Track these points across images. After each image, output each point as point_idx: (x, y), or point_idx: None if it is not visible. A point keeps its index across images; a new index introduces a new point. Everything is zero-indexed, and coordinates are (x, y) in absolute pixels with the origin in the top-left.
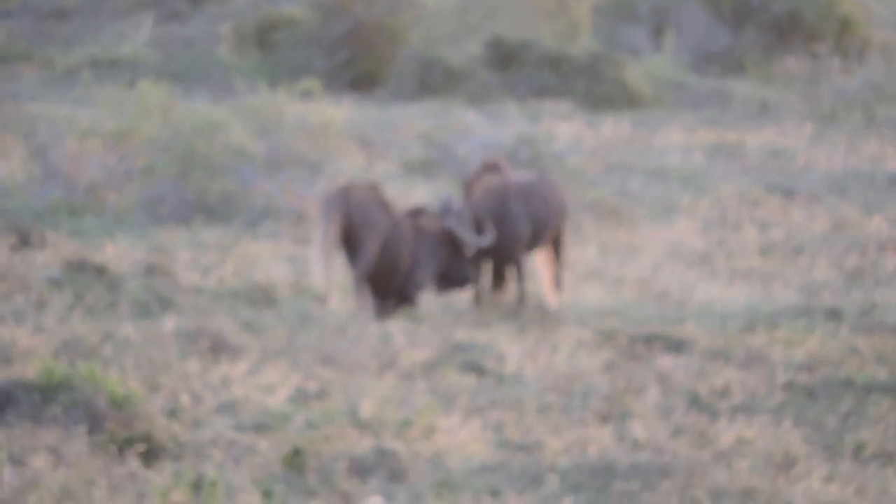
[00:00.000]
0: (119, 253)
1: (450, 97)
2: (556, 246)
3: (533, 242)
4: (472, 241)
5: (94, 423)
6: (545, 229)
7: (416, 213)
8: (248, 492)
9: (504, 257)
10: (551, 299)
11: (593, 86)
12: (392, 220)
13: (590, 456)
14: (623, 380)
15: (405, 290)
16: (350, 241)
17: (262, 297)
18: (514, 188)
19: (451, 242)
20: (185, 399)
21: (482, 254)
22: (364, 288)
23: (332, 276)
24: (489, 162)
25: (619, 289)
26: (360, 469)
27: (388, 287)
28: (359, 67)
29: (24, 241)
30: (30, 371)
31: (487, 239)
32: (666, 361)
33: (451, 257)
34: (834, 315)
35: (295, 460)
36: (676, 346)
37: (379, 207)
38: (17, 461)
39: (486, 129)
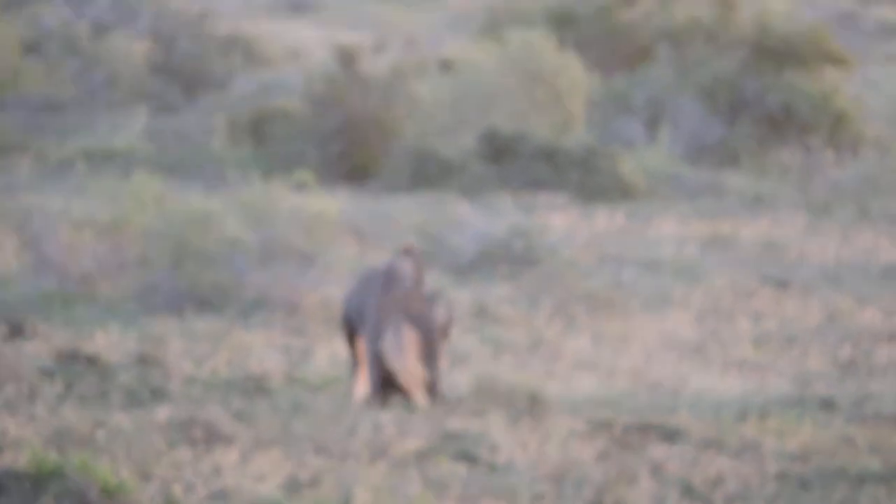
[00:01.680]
0: (111, 343)
1: (443, 189)
2: None
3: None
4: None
5: None
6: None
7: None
8: None
9: None
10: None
11: (587, 177)
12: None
13: None
14: (616, 469)
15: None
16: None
17: (254, 386)
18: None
19: None
20: (176, 488)
21: None
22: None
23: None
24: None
25: (612, 379)
26: None
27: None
28: (352, 159)
29: (15, 331)
30: (21, 460)
31: None
32: (659, 451)
33: None
34: (827, 405)
35: None
36: (670, 435)
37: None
38: None
39: (479, 221)
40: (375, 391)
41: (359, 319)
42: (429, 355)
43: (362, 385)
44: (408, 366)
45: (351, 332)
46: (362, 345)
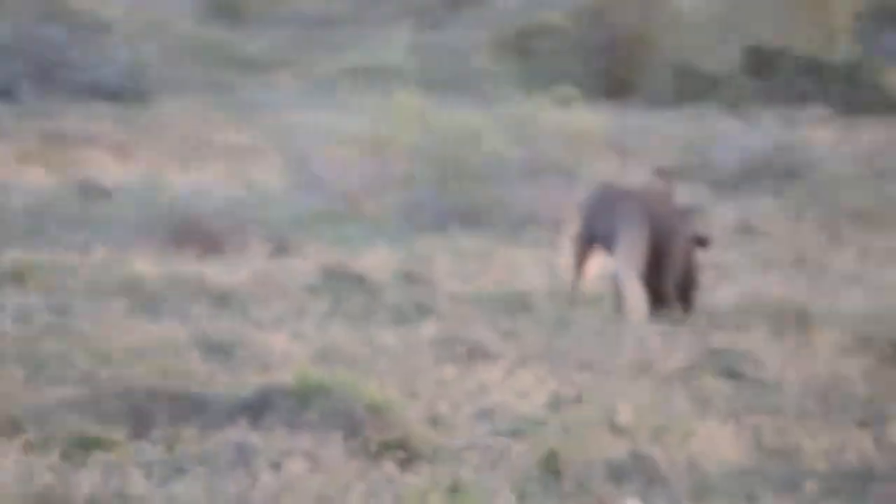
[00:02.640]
0: (377, 260)
1: (706, 104)
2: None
3: None
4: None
5: (351, 428)
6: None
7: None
8: (503, 495)
9: None
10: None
11: (852, 91)
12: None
13: (848, 460)
14: (883, 385)
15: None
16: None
17: (519, 303)
18: None
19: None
20: (442, 406)
21: None
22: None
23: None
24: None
25: (878, 294)
26: (616, 474)
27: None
28: (615, 75)
29: (282, 248)
30: (287, 377)
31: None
32: None
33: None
34: None
35: (550, 465)
36: None
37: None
38: (274, 465)
39: (742, 136)
40: (633, 306)
41: (599, 235)
42: (663, 269)
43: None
44: (632, 276)
45: (588, 248)
46: (599, 259)
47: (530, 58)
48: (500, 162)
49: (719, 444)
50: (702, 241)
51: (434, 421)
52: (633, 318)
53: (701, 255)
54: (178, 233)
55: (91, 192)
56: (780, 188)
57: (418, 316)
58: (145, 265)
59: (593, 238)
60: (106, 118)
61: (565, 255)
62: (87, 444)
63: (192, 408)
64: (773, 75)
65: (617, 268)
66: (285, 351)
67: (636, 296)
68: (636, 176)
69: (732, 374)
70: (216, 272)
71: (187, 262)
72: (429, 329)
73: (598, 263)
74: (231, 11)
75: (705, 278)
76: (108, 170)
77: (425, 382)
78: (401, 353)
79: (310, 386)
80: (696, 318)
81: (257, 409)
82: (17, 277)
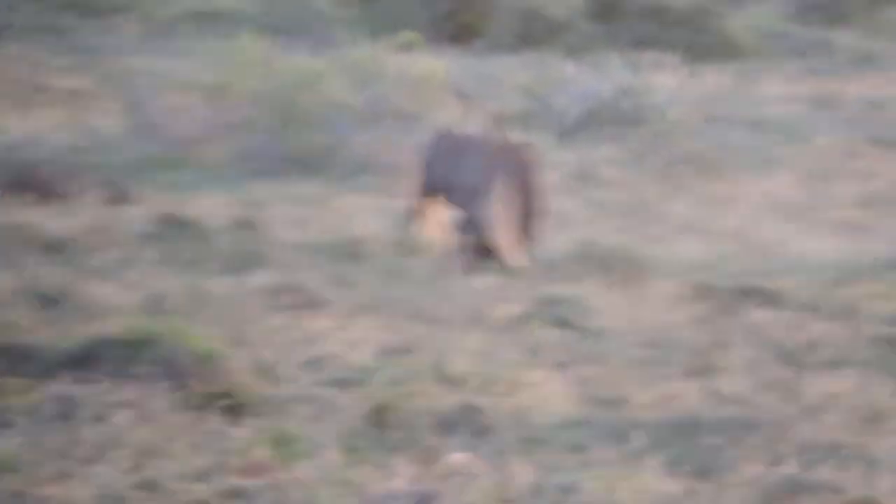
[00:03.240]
0: (211, 207)
1: (549, 49)
2: None
3: None
4: None
5: (178, 379)
6: None
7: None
8: (330, 447)
9: None
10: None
11: (695, 37)
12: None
13: (676, 411)
14: (712, 334)
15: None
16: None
17: (352, 251)
18: None
19: None
20: (270, 355)
21: None
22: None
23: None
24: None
25: (714, 241)
26: (445, 425)
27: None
28: (458, 20)
29: (118, 195)
30: (115, 327)
31: None
32: (757, 315)
33: None
34: None
35: (379, 416)
36: (769, 299)
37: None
38: (98, 418)
39: (585, 81)
40: (467, 256)
41: (444, 185)
42: (527, 215)
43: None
44: (506, 229)
45: (430, 197)
46: (438, 209)
47: (373, 2)
48: (341, 108)
49: (549, 394)
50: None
51: (262, 371)
52: (509, 262)
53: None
54: (13, 181)
55: None
56: (622, 134)
57: (250, 264)
58: None
59: (435, 186)
60: None
61: (405, 203)
62: None
63: (16, 359)
64: (616, 20)
65: (468, 217)
66: (114, 300)
67: (502, 242)
68: (475, 123)
69: (564, 324)
70: (51, 220)
71: (22, 210)
72: (260, 277)
73: (438, 212)
74: None
75: (543, 226)
76: None
77: (254, 332)
78: (230, 301)
79: (137, 336)
80: (530, 266)
81: (83, 360)
82: None
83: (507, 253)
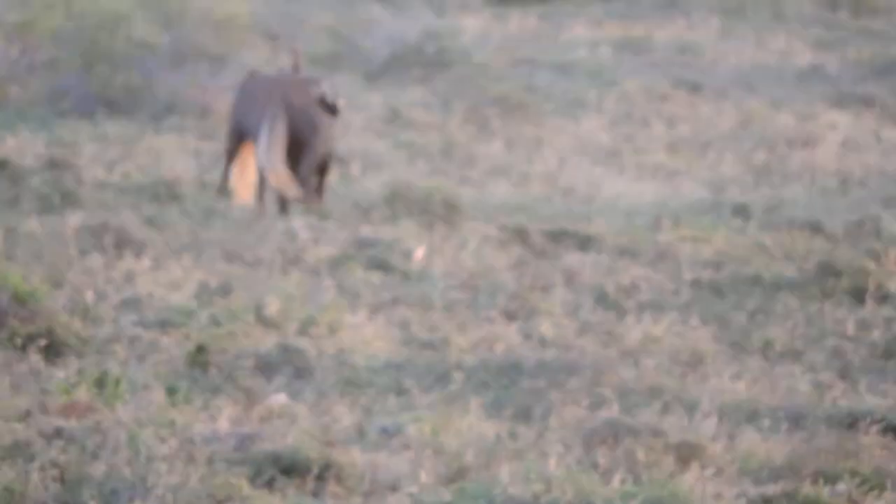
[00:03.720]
0: (21, 146)
1: None
2: None
3: None
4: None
5: None
6: None
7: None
8: (151, 388)
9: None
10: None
11: None
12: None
13: (496, 354)
14: (530, 277)
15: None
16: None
17: (166, 192)
18: None
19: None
20: (88, 295)
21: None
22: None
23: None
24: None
25: (525, 184)
26: (265, 366)
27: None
28: None
29: None
30: None
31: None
32: (573, 258)
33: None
34: (741, 211)
35: (199, 357)
36: (584, 242)
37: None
38: None
39: (391, 23)
40: (262, 195)
41: (246, 125)
42: (305, 152)
43: (246, 188)
44: (276, 164)
45: (238, 139)
46: (249, 150)
47: None
48: (146, 48)
49: (368, 336)
50: (331, 109)
51: (80, 311)
52: (279, 204)
53: (347, 144)
54: None
55: None
56: (429, 77)
57: (63, 204)
58: None
59: (241, 128)
60: None
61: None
62: None
63: None
64: None
65: (258, 158)
66: None
67: (282, 183)
68: (283, 63)
69: (380, 266)
70: None
71: None
72: (74, 217)
73: (247, 154)
74: None
75: (354, 168)
76: None
77: (71, 272)
78: (45, 241)
79: None
80: (344, 208)
81: None
82: None
83: (282, 188)
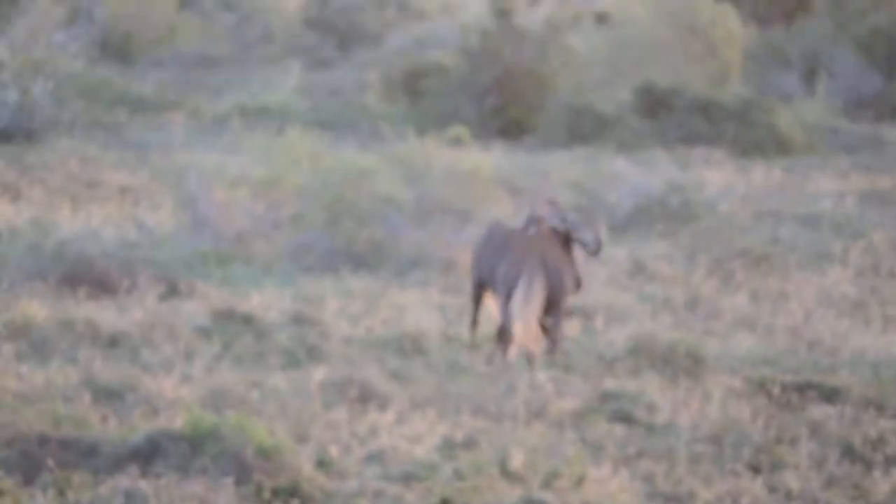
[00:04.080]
0: (267, 302)
1: (599, 144)
2: None
3: None
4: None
5: (242, 473)
6: None
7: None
8: None
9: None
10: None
11: (744, 132)
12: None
13: None
14: (775, 429)
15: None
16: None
17: (410, 346)
18: None
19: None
20: (332, 449)
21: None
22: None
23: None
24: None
25: (770, 337)
26: None
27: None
28: (507, 115)
29: (172, 290)
30: (177, 421)
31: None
32: (819, 411)
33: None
34: None
35: None
36: (829, 395)
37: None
38: None
39: (635, 176)
40: (505, 347)
41: (491, 278)
42: (553, 305)
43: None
44: (529, 319)
45: (481, 292)
46: (493, 302)
47: (420, 97)
48: (391, 203)
49: (612, 489)
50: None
51: (325, 465)
52: (528, 356)
53: (592, 297)
54: (68, 275)
55: None
56: (672, 230)
57: (308, 358)
58: (34, 308)
59: (485, 280)
60: None
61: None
62: None
63: (82, 454)
64: (665, 115)
65: (510, 310)
66: (175, 395)
67: (530, 339)
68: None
69: (625, 419)
70: (106, 315)
71: (77, 304)
72: (319, 372)
73: (492, 305)
74: (119, 52)
75: (598, 321)
76: None
77: (316, 426)
78: (291, 396)
79: (200, 431)
80: (588, 361)
81: (147, 454)
82: None
83: (528, 344)
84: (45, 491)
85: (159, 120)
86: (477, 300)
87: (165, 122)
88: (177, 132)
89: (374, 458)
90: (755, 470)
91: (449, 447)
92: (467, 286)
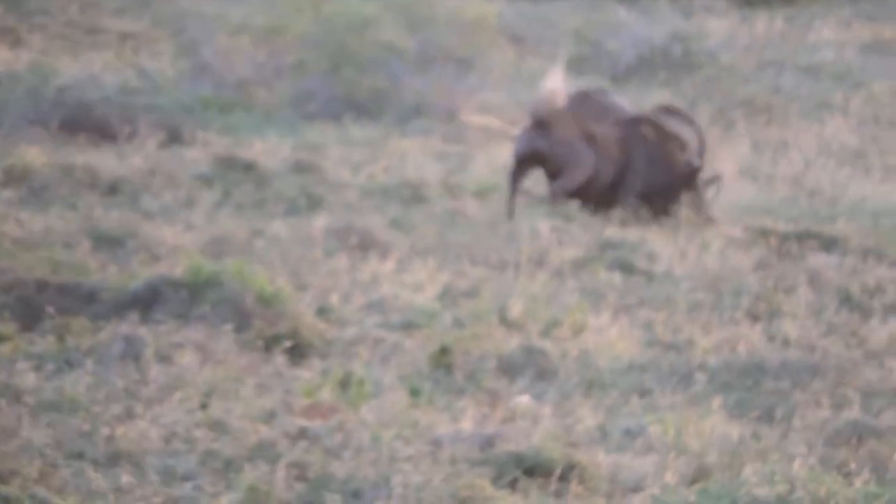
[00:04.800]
0: (268, 149)
1: None
2: None
3: None
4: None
5: (242, 320)
6: None
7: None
8: (395, 389)
9: None
10: None
11: None
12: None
13: (740, 355)
14: (774, 278)
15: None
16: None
17: (411, 194)
18: None
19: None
20: (333, 297)
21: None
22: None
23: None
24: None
25: (770, 186)
26: (508, 368)
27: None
28: None
29: (173, 137)
30: (178, 268)
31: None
32: (818, 260)
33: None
34: None
35: (442, 358)
36: (828, 244)
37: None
38: (164, 358)
39: (637, 26)
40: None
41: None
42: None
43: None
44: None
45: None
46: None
47: None
48: (393, 51)
49: (611, 337)
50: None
51: (325, 313)
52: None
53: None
54: (67, 121)
55: None
56: (674, 79)
57: (309, 206)
58: (34, 154)
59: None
60: None
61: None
62: None
63: (81, 300)
64: None
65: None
66: (176, 242)
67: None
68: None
69: (625, 267)
70: (106, 161)
71: (78, 151)
72: (319, 220)
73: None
74: None
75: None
76: None
77: (316, 274)
78: (291, 243)
79: (200, 278)
80: (589, 209)
81: (147, 301)
82: None
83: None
84: (45, 336)
85: None
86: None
87: None
88: None
89: (374, 305)
90: (754, 318)
91: (449, 295)
92: (469, 134)
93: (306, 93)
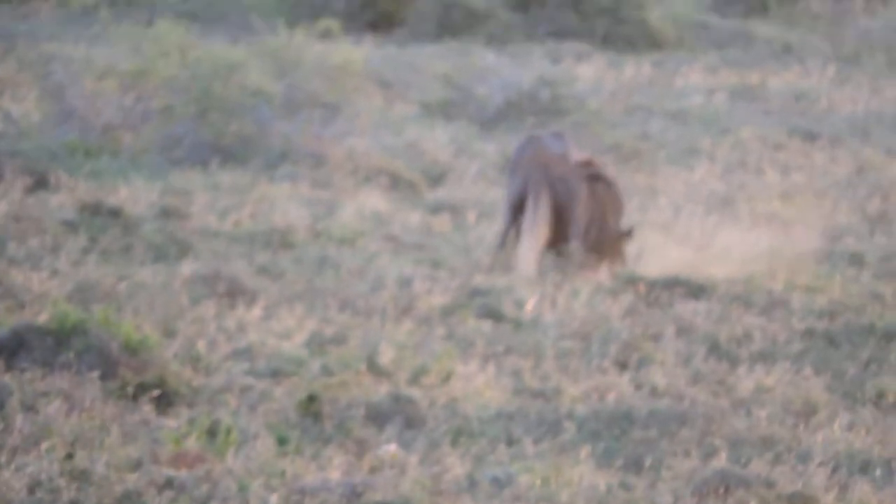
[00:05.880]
0: (134, 195)
1: (469, 38)
2: None
3: None
4: None
5: (108, 368)
6: None
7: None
8: (262, 438)
9: None
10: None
11: (615, 26)
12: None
13: (608, 403)
14: (642, 326)
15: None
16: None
17: (279, 240)
18: None
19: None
20: (199, 345)
21: None
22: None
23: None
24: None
25: (639, 232)
26: (377, 416)
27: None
28: (378, 7)
29: (39, 183)
30: (43, 315)
31: None
32: (686, 307)
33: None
34: (856, 260)
35: (310, 406)
36: (697, 291)
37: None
38: (29, 407)
39: (506, 71)
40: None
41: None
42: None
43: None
44: (537, 235)
45: (517, 213)
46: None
47: None
48: (260, 96)
49: (479, 385)
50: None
51: (192, 361)
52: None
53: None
54: None
55: None
56: (543, 124)
57: (176, 253)
58: None
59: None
60: None
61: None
62: None
63: None
64: (536, 9)
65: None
66: (41, 289)
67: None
68: (403, 111)
69: (493, 315)
70: None
71: None
72: (186, 266)
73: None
74: None
75: (469, 217)
76: None
77: (183, 321)
78: (158, 290)
79: (66, 325)
80: (457, 257)
81: (13, 348)
82: None
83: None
84: None
85: (25, 9)
86: (512, 221)
87: (31, 11)
88: (43, 21)
89: (242, 353)
90: (622, 366)
91: (317, 342)
92: (336, 180)
93: (173, 138)
